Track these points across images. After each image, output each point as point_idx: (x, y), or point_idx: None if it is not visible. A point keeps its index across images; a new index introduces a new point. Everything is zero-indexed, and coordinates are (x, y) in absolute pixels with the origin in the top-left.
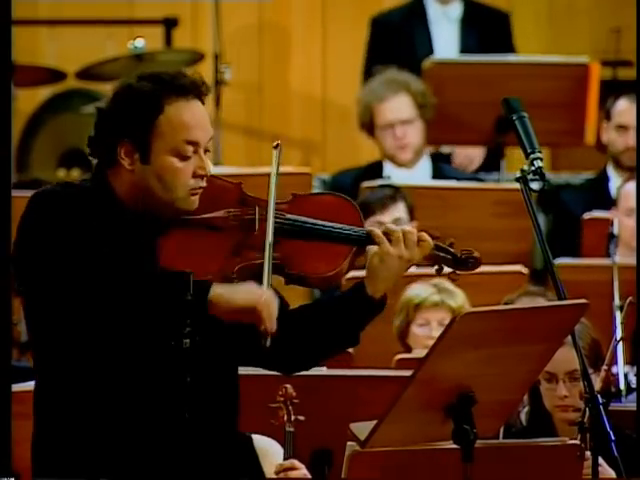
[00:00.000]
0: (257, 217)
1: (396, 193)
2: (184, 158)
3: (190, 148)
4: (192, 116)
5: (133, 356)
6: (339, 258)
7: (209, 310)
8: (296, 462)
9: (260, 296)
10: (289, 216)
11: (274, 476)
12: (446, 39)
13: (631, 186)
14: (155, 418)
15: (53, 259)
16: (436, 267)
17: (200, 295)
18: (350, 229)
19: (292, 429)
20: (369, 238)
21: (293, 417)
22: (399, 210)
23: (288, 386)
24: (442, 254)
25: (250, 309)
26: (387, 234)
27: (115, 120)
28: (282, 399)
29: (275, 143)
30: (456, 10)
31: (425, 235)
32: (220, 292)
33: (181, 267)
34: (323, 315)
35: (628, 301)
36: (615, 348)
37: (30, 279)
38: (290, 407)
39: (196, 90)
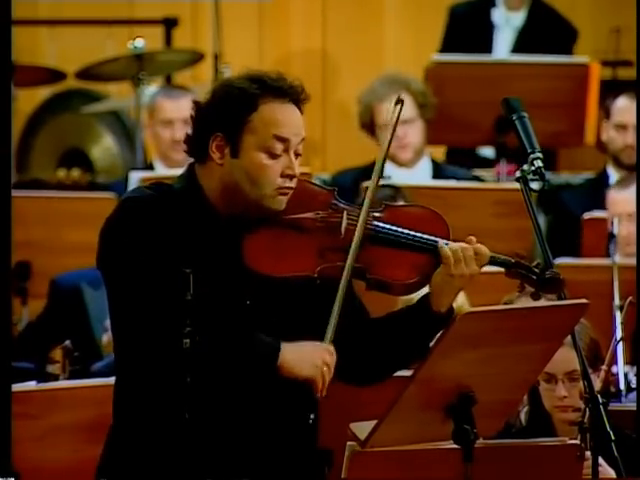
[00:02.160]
0: (344, 221)
1: (396, 193)
2: (273, 156)
3: (279, 146)
4: (284, 115)
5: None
6: (422, 267)
7: (272, 374)
8: None
9: (321, 368)
10: (376, 223)
11: None
12: (503, 45)
13: (617, 193)
14: (159, 419)
15: (135, 268)
16: (518, 286)
17: (270, 358)
18: (426, 238)
19: None
20: (435, 251)
21: None
22: None
23: None
24: (524, 272)
25: (310, 381)
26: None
27: (210, 113)
28: None
29: (398, 99)
30: (519, 18)
31: (481, 247)
32: (287, 360)
33: (265, 264)
34: (391, 329)
35: (628, 301)
36: (615, 348)
37: (111, 282)
38: None
39: (294, 95)
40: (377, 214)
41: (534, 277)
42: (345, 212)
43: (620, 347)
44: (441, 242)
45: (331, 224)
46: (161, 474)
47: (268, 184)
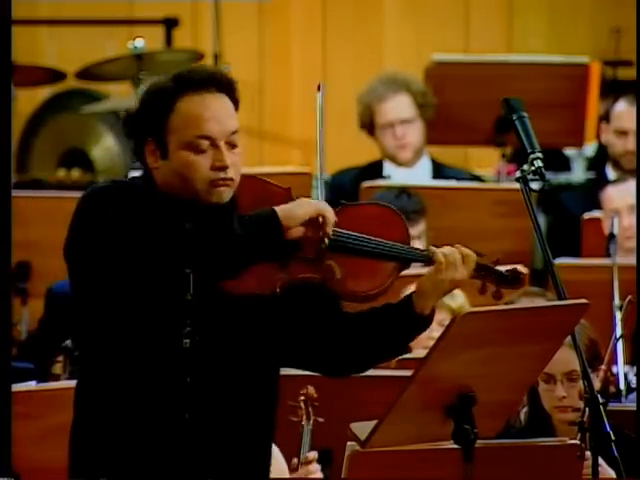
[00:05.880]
0: None
1: (423, 208)
2: (199, 151)
3: (205, 142)
4: (204, 110)
5: (154, 354)
6: (384, 276)
7: (283, 233)
8: (310, 455)
9: (319, 203)
10: (337, 230)
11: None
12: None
13: (614, 188)
14: (159, 419)
15: (105, 252)
16: (480, 286)
17: (272, 221)
18: (404, 249)
19: (311, 427)
20: (427, 259)
21: (312, 418)
22: (422, 226)
23: (310, 387)
24: (487, 272)
25: (317, 216)
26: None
27: (137, 120)
28: (303, 399)
29: (318, 84)
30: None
31: (469, 252)
32: (286, 211)
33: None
34: (373, 326)
35: (628, 300)
36: (615, 347)
37: (82, 272)
38: (310, 408)
39: (213, 82)
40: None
41: (494, 275)
42: None
43: (620, 347)
44: (432, 248)
45: None
46: (153, 472)
47: (199, 180)
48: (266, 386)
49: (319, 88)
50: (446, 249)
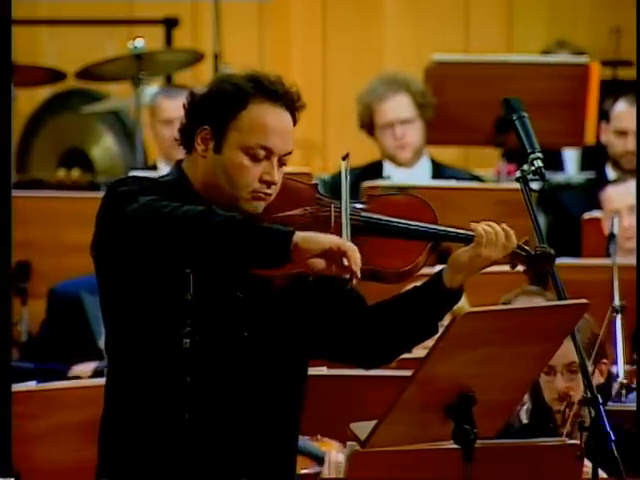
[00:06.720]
0: (332, 214)
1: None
2: (254, 159)
3: (263, 152)
4: (274, 122)
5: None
6: (414, 253)
7: (293, 255)
8: None
9: (344, 241)
10: (364, 214)
11: None
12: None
13: (614, 189)
14: (159, 419)
15: (133, 239)
16: (510, 263)
17: (284, 239)
18: (439, 228)
19: None
20: (464, 238)
21: None
22: None
23: None
24: (520, 251)
25: (336, 250)
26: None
27: (201, 105)
28: None
29: (344, 155)
30: None
31: (510, 231)
32: (305, 235)
33: None
34: (401, 308)
35: (610, 309)
36: (614, 325)
37: (111, 264)
38: None
39: (287, 100)
40: (362, 205)
41: (524, 254)
42: (332, 205)
43: (620, 347)
44: (475, 227)
45: (321, 218)
46: (159, 472)
47: (244, 186)
48: (277, 384)
49: (344, 158)
50: (487, 226)
